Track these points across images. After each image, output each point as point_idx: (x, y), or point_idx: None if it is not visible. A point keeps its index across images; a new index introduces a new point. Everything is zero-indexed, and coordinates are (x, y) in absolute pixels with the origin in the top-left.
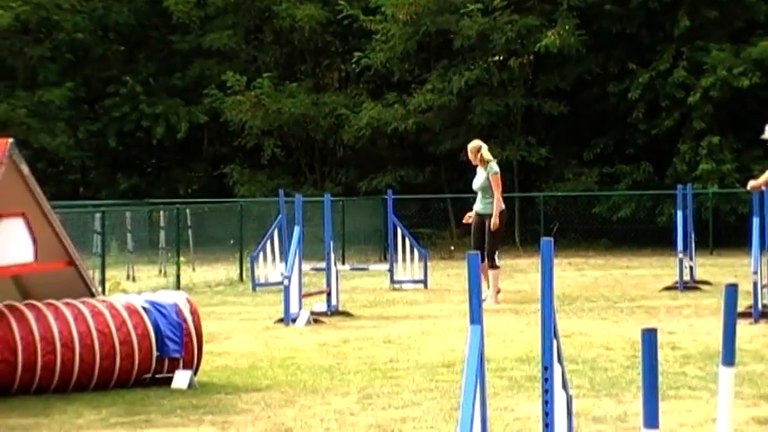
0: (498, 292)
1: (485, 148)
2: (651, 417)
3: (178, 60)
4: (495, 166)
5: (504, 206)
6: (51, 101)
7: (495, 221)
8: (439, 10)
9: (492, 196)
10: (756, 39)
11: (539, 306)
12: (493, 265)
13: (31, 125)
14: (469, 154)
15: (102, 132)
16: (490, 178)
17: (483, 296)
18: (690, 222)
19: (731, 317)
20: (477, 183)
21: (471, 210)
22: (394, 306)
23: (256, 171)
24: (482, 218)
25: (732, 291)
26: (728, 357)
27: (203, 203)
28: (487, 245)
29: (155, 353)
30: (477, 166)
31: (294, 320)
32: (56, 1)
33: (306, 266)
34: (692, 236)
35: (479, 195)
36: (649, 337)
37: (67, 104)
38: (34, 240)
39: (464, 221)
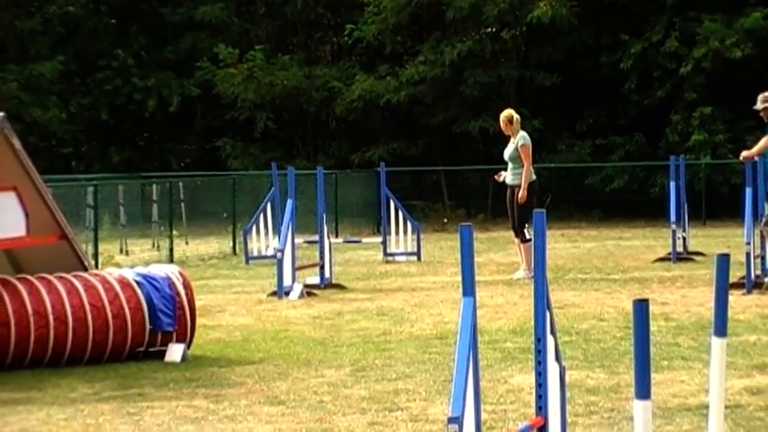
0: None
1: (517, 117)
2: (643, 387)
3: (170, 33)
4: (524, 138)
5: (534, 177)
6: (43, 74)
7: (522, 194)
8: None
9: (521, 167)
10: (749, 9)
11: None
12: (523, 240)
13: (23, 99)
14: (501, 123)
15: (93, 106)
16: (519, 149)
17: (522, 273)
18: (683, 193)
19: (723, 287)
20: (507, 152)
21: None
22: (387, 279)
23: (249, 144)
24: (512, 189)
25: (723, 261)
26: (720, 328)
27: (196, 177)
28: (516, 218)
29: (148, 326)
30: (509, 135)
31: (287, 293)
32: None
33: (299, 239)
34: (685, 207)
35: (509, 166)
36: (641, 307)
37: (59, 78)
38: (26, 214)
39: (495, 177)
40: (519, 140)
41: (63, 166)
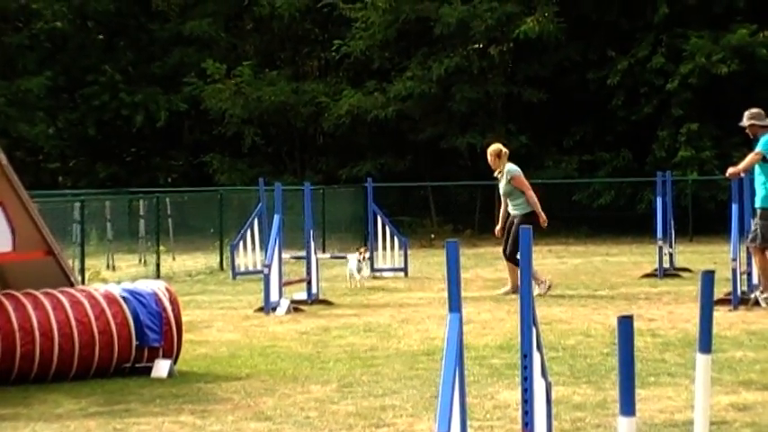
0: (540, 283)
1: (505, 151)
2: (628, 404)
3: (158, 48)
4: (512, 170)
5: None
6: (30, 90)
7: (542, 219)
8: None
9: (519, 198)
10: (735, 26)
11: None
12: (518, 263)
13: (10, 114)
14: (489, 157)
15: (81, 121)
16: (512, 182)
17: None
18: (669, 209)
19: (708, 304)
20: (501, 189)
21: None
22: (374, 294)
23: (237, 159)
24: (512, 218)
25: (709, 278)
26: (705, 344)
27: (183, 192)
28: (511, 244)
29: (134, 342)
30: (495, 169)
31: (274, 309)
32: None
33: (286, 255)
34: (672, 223)
35: (508, 201)
36: (625, 324)
37: (46, 93)
38: (12, 230)
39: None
40: (507, 175)
41: (50, 181)
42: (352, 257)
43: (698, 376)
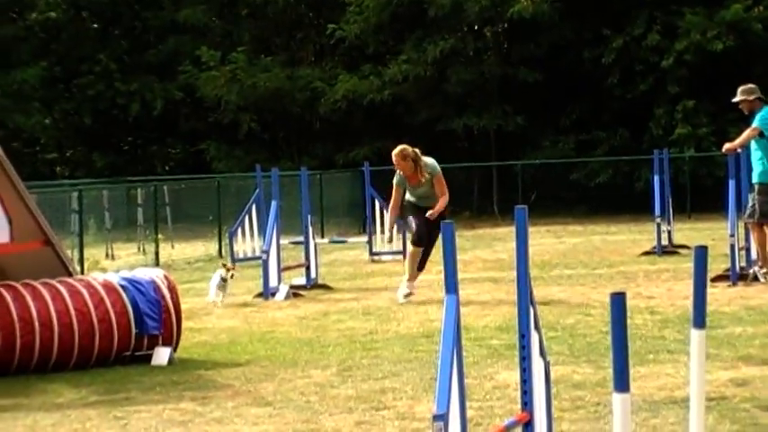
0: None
1: (417, 150)
2: (622, 380)
3: (152, 37)
4: (436, 166)
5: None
6: (25, 80)
7: (434, 212)
8: None
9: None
10: (729, 2)
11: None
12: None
13: (5, 105)
14: (402, 161)
15: (77, 111)
16: (435, 181)
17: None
18: (667, 187)
19: (701, 279)
20: (420, 191)
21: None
22: (373, 278)
23: (233, 146)
24: (424, 207)
25: (702, 253)
26: (699, 320)
27: (181, 180)
28: (434, 238)
29: (133, 330)
30: (411, 174)
31: (273, 295)
32: None
33: (284, 240)
34: (670, 200)
35: (424, 203)
36: (618, 301)
37: (42, 84)
38: (10, 221)
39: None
40: (433, 171)
41: (48, 171)
42: (217, 274)
43: (693, 351)
